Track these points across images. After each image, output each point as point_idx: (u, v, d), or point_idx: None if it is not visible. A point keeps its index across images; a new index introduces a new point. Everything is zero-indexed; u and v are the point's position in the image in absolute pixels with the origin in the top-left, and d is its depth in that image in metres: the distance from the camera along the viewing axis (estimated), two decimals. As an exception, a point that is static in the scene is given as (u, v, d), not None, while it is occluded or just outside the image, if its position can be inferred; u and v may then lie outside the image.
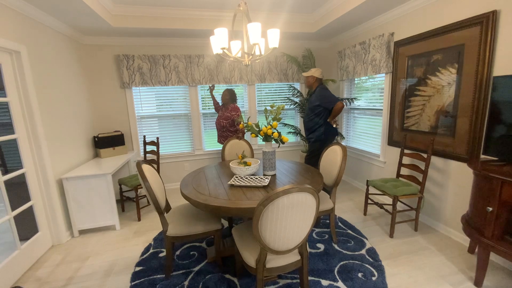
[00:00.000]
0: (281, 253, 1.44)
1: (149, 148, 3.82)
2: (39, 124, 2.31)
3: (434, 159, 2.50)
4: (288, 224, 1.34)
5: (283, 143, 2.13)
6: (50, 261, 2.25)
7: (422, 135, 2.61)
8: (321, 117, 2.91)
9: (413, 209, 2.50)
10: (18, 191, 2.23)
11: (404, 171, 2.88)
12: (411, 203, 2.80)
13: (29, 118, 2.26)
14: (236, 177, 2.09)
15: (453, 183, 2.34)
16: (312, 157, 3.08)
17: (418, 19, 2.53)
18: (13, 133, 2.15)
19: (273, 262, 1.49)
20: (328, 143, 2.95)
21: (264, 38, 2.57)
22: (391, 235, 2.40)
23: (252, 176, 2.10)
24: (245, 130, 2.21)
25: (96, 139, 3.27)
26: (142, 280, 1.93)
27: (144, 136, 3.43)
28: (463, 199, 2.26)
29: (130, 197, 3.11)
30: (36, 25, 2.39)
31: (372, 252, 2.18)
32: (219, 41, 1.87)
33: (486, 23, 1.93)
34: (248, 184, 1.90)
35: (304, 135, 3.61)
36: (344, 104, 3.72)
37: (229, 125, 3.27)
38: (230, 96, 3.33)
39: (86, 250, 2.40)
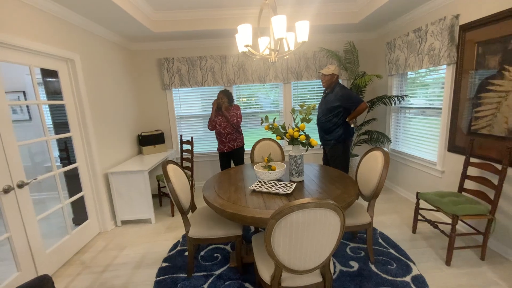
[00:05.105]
0: (298, 272, 1.28)
1: (185, 147, 3.99)
2: (89, 124, 2.59)
3: (513, 172, 1.96)
4: (304, 242, 1.17)
5: (311, 146, 1.93)
6: (95, 247, 2.51)
7: (496, 140, 2.07)
8: (340, 117, 2.75)
9: (480, 232, 2.01)
10: (73, 182, 2.56)
11: (470, 184, 2.35)
12: (478, 225, 2.27)
13: (81, 119, 2.54)
14: (260, 181, 1.98)
15: (542, 205, 1.79)
16: (339, 161, 2.83)
17: (494, -6, 2.01)
18: (68, 131, 2.45)
19: (289, 281, 1.34)
20: (348, 144, 2.84)
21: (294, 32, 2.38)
22: (447, 263, 1.97)
23: (276, 182, 1.96)
24: (271, 131, 2.07)
25: (140, 137, 3.55)
26: (165, 277, 1.98)
27: (181, 135, 3.58)
28: (557, 227, 1.71)
29: (166, 193, 3.28)
30: (87, 34, 2.67)
31: (420, 281, 1.81)
32: (243, 38, 1.77)
33: None
34: (270, 190, 1.77)
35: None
36: (394, 102, 3.26)
37: (237, 125, 3.11)
38: (228, 98, 3.07)
39: (124, 240, 2.61)
